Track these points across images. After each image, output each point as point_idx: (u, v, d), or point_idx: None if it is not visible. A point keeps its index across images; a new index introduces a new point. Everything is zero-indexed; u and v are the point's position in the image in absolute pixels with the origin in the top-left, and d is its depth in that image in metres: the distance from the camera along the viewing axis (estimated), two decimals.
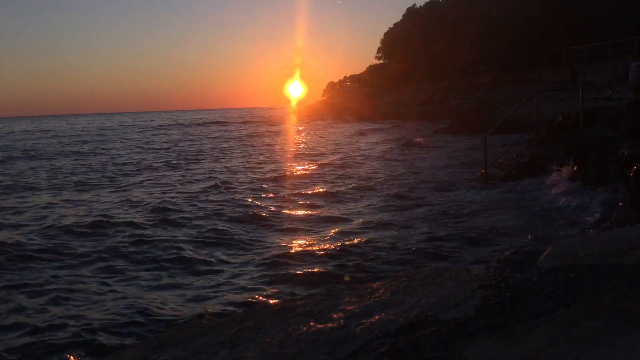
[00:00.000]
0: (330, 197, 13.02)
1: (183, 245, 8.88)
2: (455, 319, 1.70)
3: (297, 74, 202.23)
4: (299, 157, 24.85)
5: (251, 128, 58.40)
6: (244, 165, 21.65)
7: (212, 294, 6.63)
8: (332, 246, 8.36)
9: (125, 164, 23.86)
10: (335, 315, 1.92)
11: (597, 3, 40.21)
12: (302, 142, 34.34)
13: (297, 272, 7.25)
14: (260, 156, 25.64)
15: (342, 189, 14.11)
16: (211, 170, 19.96)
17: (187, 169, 20.95)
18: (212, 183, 15.91)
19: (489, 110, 30.95)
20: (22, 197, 15.13)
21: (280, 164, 21.74)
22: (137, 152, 30.37)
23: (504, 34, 45.55)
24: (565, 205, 9.70)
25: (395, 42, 72.90)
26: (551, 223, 8.81)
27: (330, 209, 11.49)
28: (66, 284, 7.22)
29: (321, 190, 14.15)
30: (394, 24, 78.50)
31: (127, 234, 9.78)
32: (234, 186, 15.40)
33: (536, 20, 43.69)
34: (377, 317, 1.83)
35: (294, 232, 9.67)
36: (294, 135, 43.25)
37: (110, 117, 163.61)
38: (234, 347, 1.84)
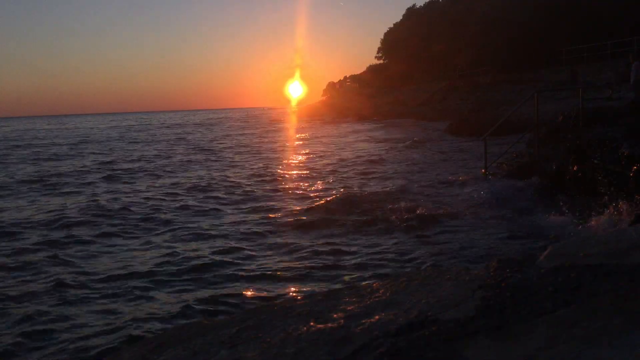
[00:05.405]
0: (329, 195, 13.01)
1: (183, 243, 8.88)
2: (455, 319, 1.70)
3: (297, 74, 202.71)
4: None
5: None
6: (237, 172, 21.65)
7: (211, 294, 6.63)
8: (332, 246, 8.36)
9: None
10: (335, 315, 1.91)
11: (597, 3, 40.18)
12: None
13: (297, 271, 7.25)
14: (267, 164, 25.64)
15: (343, 186, 14.10)
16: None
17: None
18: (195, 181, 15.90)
19: (489, 110, 30.90)
20: None
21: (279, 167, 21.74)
22: None
23: (504, 34, 45.47)
24: None
25: (395, 42, 72.86)
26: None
27: (329, 208, 11.47)
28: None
29: (321, 189, 14.14)
30: (394, 24, 78.56)
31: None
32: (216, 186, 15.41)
33: (536, 20, 43.64)
34: (377, 317, 1.82)
35: (292, 231, 9.66)
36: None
37: (112, 118, 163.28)
38: (234, 347, 1.84)
